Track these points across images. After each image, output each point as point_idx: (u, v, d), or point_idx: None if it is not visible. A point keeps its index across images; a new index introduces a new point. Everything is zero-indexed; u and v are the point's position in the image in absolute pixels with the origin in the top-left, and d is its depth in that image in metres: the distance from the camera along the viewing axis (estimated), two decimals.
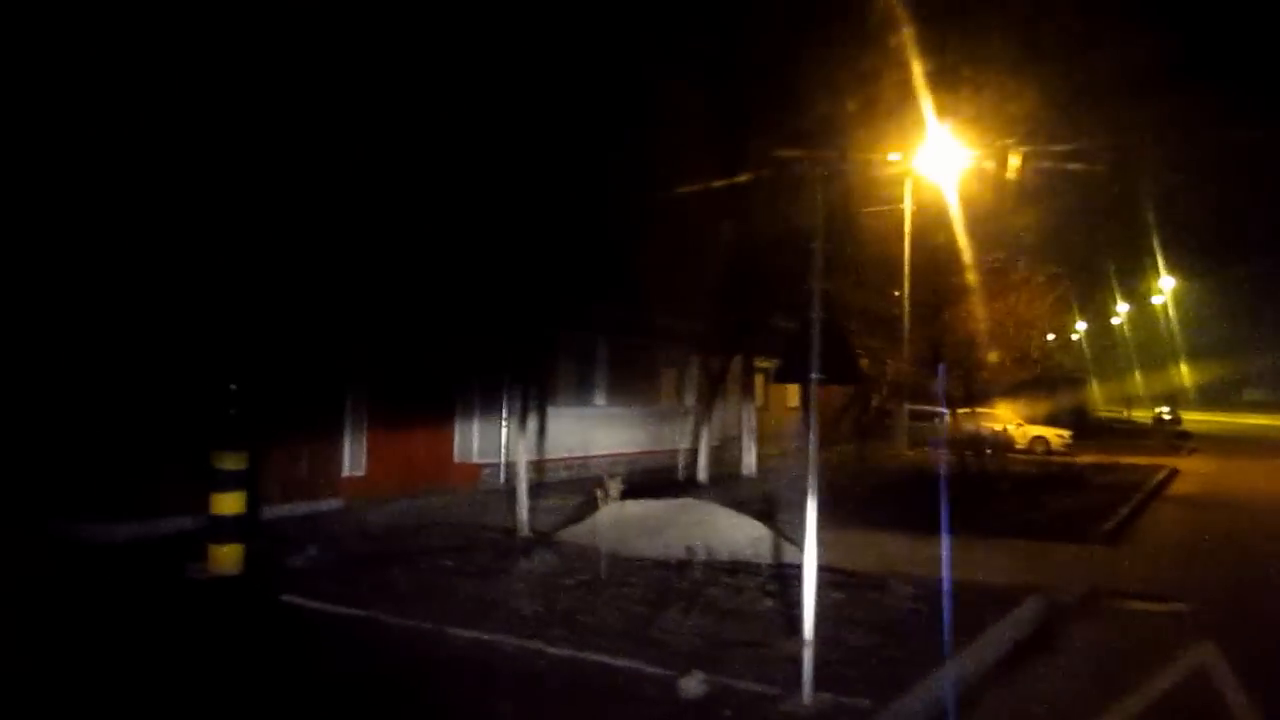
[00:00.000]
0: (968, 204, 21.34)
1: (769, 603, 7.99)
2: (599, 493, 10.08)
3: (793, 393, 29.93)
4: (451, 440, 14.88)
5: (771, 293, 18.23)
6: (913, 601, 8.27)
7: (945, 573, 9.83)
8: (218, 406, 8.54)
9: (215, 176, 10.27)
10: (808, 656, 5.67)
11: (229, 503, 8.48)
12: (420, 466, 14.21)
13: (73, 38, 9.56)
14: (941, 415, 30.67)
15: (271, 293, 11.22)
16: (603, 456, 17.88)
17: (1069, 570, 10.58)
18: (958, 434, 31.81)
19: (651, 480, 16.84)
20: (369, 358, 12.91)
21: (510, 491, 14.36)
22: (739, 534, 10.30)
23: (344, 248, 12.02)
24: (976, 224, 21.80)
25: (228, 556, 8.49)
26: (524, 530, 10.97)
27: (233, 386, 8.52)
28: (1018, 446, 30.57)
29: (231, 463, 8.49)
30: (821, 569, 9.58)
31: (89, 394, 10.05)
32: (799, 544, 10.72)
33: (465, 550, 9.88)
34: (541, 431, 16.16)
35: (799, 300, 19.19)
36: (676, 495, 13.14)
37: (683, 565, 9.14)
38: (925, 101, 16.55)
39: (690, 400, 21.49)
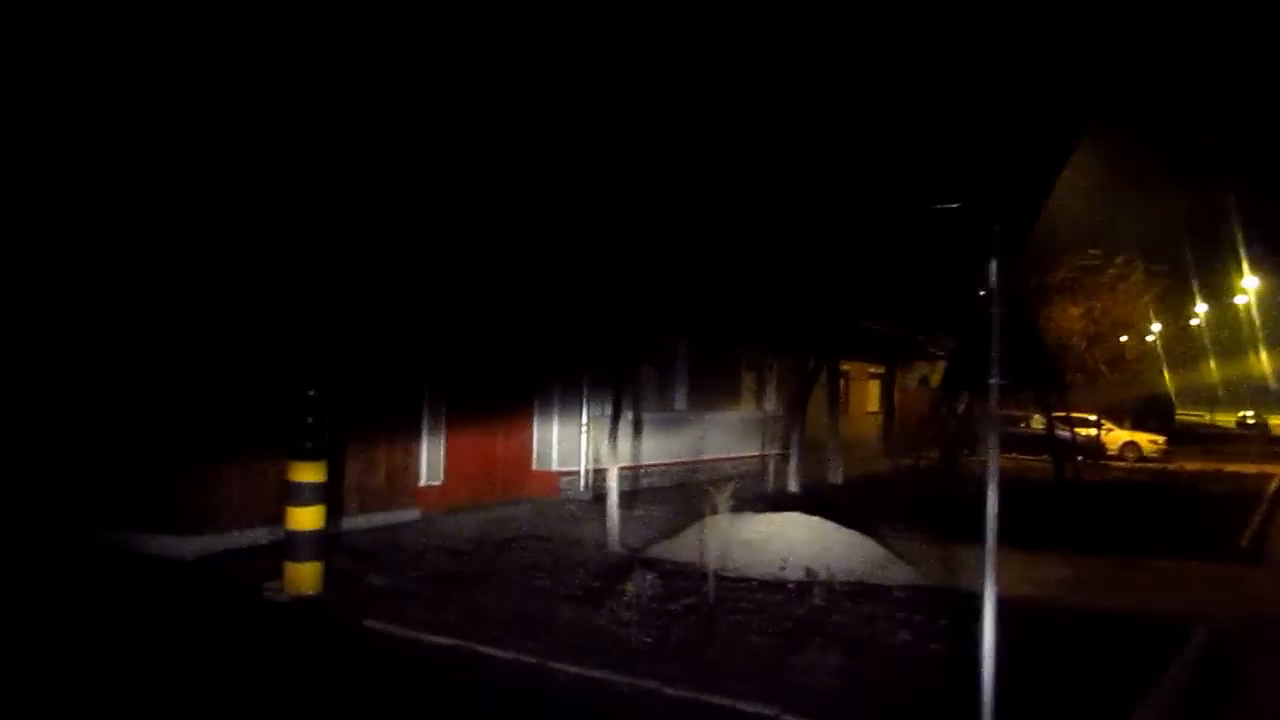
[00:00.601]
0: (1058, 197, 20.28)
1: (905, 635, 7.12)
2: (708, 507, 9.23)
3: (872, 397, 28.93)
4: (530, 447, 14.17)
5: (859, 293, 17.37)
6: (1059, 632, 7.36)
7: (1080, 598, 8.94)
8: (294, 413, 7.86)
9: (288, 175, 9.66)
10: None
11: (307, 518, 7.83)
12: (498, 475, 13.52)
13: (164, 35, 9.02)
14: (1026, 420, 29.50)
15: (347, 294, 10.59)
16: (681, 464, 17.09)
17: (1219, 592, 9.54)
18: (1044, 440, 30.55)
19: (736, 490, 16.01)
20: (446, 361, 12.24)
21: (591, 501, 13.69)
22: (853, 552, 9.44)
23: (424, 247, 11.36)
24: (1068, 219, 20.74)
25: (306, 576, 7.85)
26: (615, 545, 10.20)
27: (310, 392, 7.85)
28: (1109, 452, 29.22)
29: (310, 475, 7.85)
30: (949, 592, 8.82)
31: (157, 401, 9.47)
32: (913, 562, 9.89)
33: (556, 568, 9.14)
34: (620, 437, 15.39)
35: (888, 300, 18.22)
36: (769, 506, 12.32)
37: (801, 587, 8.31)
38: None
39: (770, 405, 20.65)
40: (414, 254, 11.29)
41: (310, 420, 7.86)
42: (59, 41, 9.22)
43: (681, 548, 9.92)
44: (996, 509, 4.98)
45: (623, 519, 11.45)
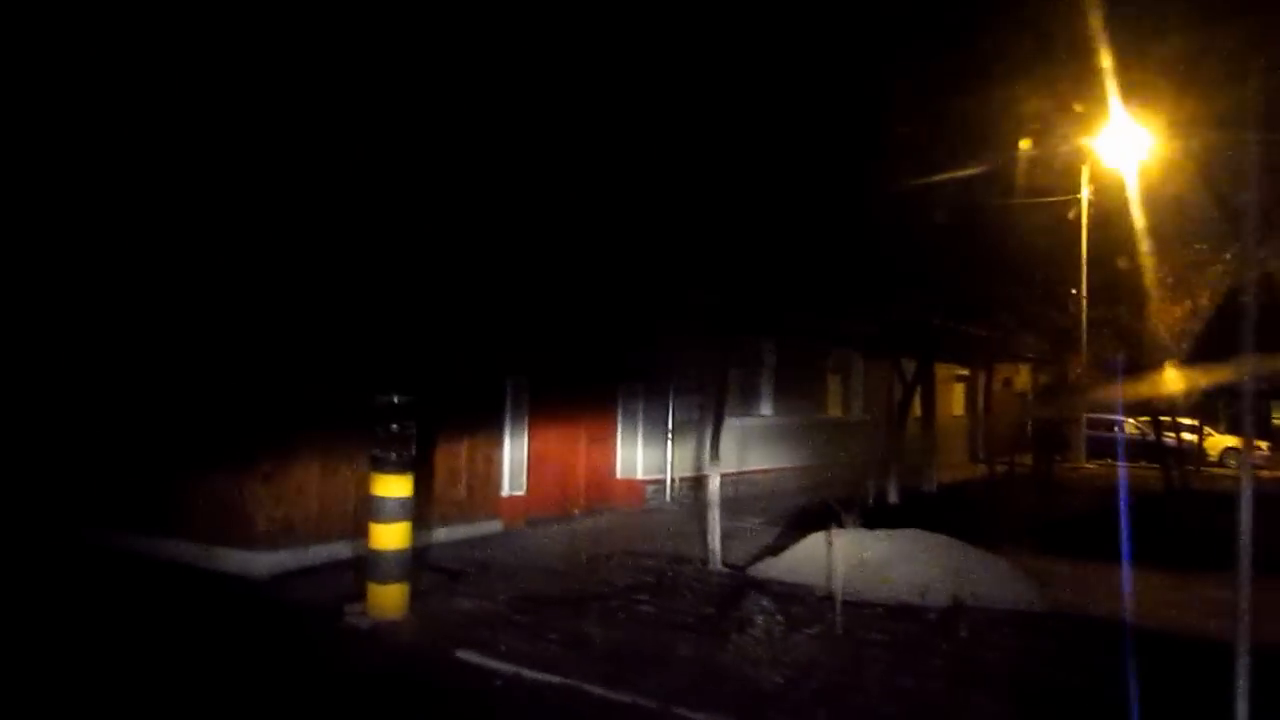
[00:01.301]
0: (1159, 190, 19.08)
1: (1076, 677, 6.19)
2: (833, 524, 8.36)
3: (956, 400, 27.73)
4: (613, 454, 13.39)
5: (959, 294, 16.43)
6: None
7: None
8: (377, 421, 7.14)
9: (361, 169, 9.02)
10: None
11: (392, 536, 7.11)
12: (581, 484, 12.76)
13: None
14: (1119, 424, 28.10)
15: (425, 291, 9.90)
16: (767, 471, 16.20)
17: None
18: (1141, 445, 29.08)
19: (833, 500, 15.09)
20: (528, 362, 11.49)
21: (678, 512, 12.89)
22: (985, 574, 8.49)
23: (505, 238, 10.66)
24: (1169, 213, 19.48)
25: (390, 599, 7.13)
26: (716, 563, 9.37)
27: (395, 399, 7.12)
28: (1209, 459, 27.69)
29: (395, 489, 7.13)
30: (1102, 622, 7.78)
31: (230, 410, 8.83)
32: (1048, 584, 8.91)
33: (659, 590, 8.33)
34: (704, 444, 14.56)
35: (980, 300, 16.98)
36: (873, 519, 11.39)
37: (939, 615, 7.41)
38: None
39: (856, 410, 19.68)
40: (494, 246, 10.60)
41: (395, 429, 7.13)
42: (133, 43, 8.79)
43: (791, 567, 9.07)
44: (1249, 536, 4.05)
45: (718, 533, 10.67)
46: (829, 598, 7.99)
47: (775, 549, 10.00)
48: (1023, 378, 29.08)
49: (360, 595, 7.33)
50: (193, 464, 8.96)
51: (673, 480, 13.76)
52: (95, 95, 9.43)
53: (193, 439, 8.99)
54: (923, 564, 8.57)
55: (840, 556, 8.71)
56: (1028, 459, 22.96)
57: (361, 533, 9.09)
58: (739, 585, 8.57)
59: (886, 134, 14.24)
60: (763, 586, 8.48)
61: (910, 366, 21.72)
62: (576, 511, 12.44)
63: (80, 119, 9.65)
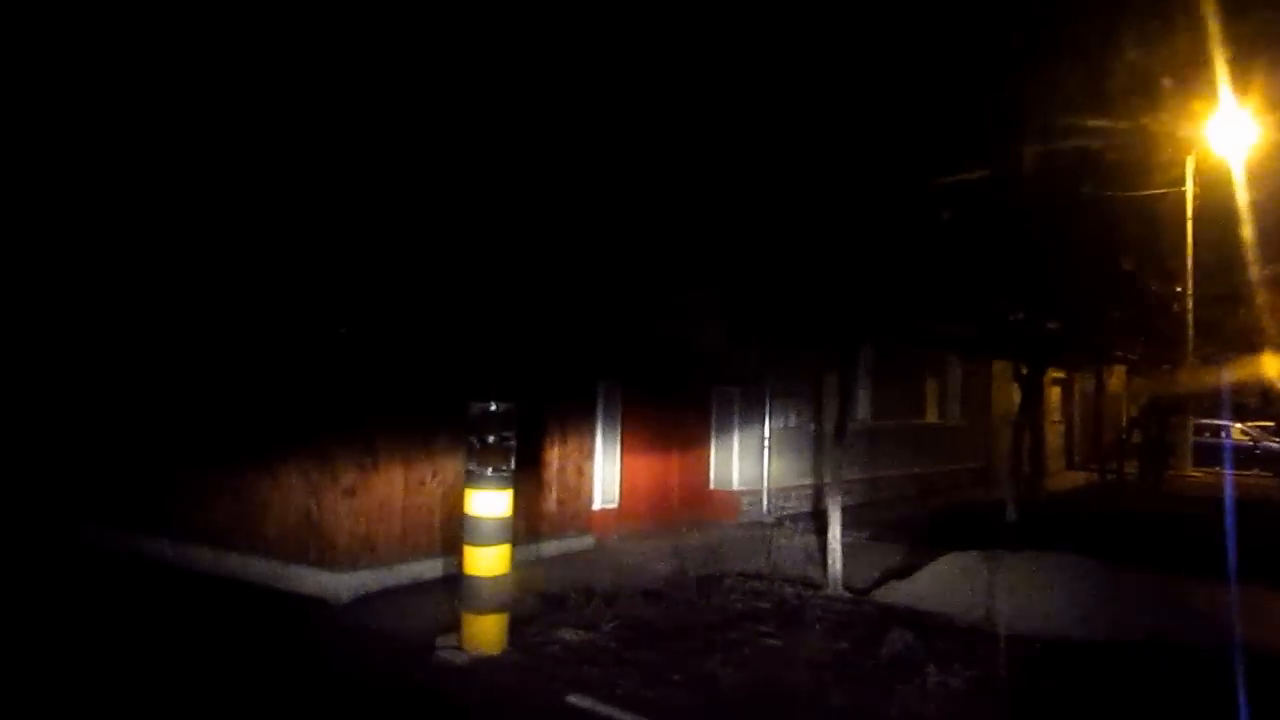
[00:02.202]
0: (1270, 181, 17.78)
1: None
2: (931, 538, 7.42)
3: (1052, 405, 26.33)
4: (707, 464, 12.51)
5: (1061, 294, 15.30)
6: None
7: None
8: (472, 431, 6.35)
9: (448, 166, 8.33)
10: None
11: (489, 560, 6.31)
12: (674, 495, 11.91)
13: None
14: (1227, 430, 26.53)
15: (517, 295, 9.14)
16: (864, 480, 15.17)
17: None
18: (1249, 452, 27.44)
19: (942, 512, 14.09)
20: (620, 367, 10.68)
21: (777, 526, 12.00)
22: (1154, 607, 7.44)
23: (594, 241, 9.88)
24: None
25: (488, 632, 6.33)
26: (837, 587, 8.45)
27: (492, 406, 6.32)
28: None
29: (493, 507, 6.34)
30: None
31: (308, 419, 8.11)
32: (1226, 618, 7.84)
33: (781, 619, 7.44)
34: (805, 453, 13.65)
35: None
36: (999, 537, 10.39)
37: (1118, 655, 6.41)
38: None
39: (955, 414, 18.59)
40: (582, 241, 9.81)
41: (492, 440, 6.33)
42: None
43: (921, 591, 8.15)
44: None
45: (826, 550, 9.76)
46: (975, 630, 7.06)
47: (899, 570, 9.08)
48: (1118, 381, 27.63)
49: (452, 625, 6.57)
50: (267, 475, 8.28)
51: (769, 492, 12.85)
52: (161, 91, 8.89)
53: (268, 449, 8.31)
54: (1078, 591, 7.57)
55: (982, 581, 7.76)
56: (1131, 466, 21.63)
57: (447, 550, 8.41)
58: (867, 614, 7.65)
59: (985, 133, 13.33)
60: (895, 615, 7.54)
61: (1005, 370, 20.63)
62: (670, 526, 11.58)
63: (147, 115, 9.10)
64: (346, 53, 7.96)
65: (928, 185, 12.72)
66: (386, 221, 8.16)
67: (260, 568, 8.24)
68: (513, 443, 6.42)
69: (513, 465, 6.42)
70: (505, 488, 6.37)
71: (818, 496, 13.90)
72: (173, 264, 9.31)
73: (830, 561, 8.49)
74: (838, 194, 11.49)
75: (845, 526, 12.00)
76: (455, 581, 8.04)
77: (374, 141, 8.07)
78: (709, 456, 12.47)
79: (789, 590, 8.42)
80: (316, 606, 7.64)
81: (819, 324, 13.49)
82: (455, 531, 8.43)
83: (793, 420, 13.25)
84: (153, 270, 9.49)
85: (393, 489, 8.17)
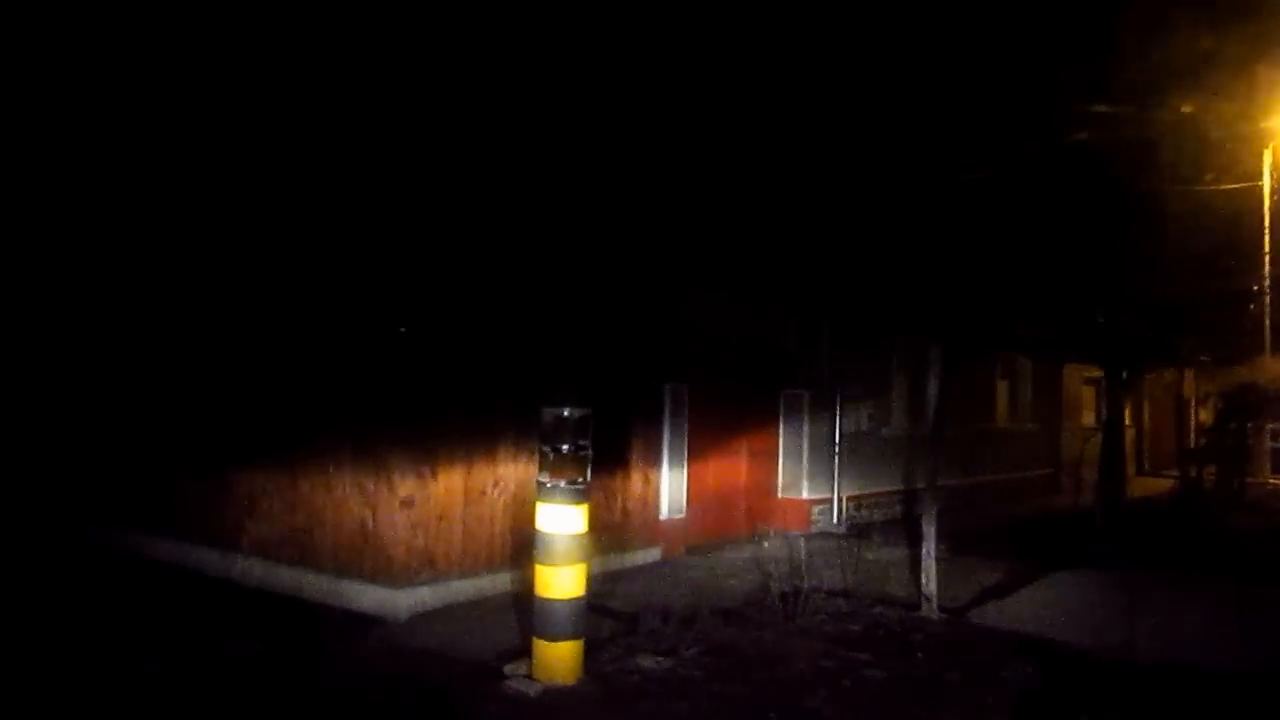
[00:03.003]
0: None
1: None
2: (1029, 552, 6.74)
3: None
4: (775, 470, 11.87)
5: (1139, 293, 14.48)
6: None
7: None
8: (544, 440, 5.79)
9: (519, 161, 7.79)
10: None
11: (563, 582, 5.73)
12: (741, 505, 11.28)
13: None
14: None
15: (582, 292, 8.58)
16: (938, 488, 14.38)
17: None
18: None
19: (1020, 522, 13.34)
20: (687, 368, 10.08)
21: (851, 536, 11.35)
22: None
23: (657, 235, 9.29)
24: None
25: (562, 659, 5.75)
26: (932, 607, 7.77)
27: (565, 412, 5.74)
28: None
29: (567, 523, 5.75)
30: None
31: (362, 424, 7.59)
32: None
33: (876, 643, 6.79)
34: (873, 458, 12.96)
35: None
36: (1083, 548, 9.70)
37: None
38: None
39: (1026, 419, 17.78)
40: (646, 235, 9.23)
41: (567, 449, 5.75)
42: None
43: (1031, 615, 7.48)
44: None
45: (908, 564, 9.14)
46: (1089, 657, 6.37)
47: (995, 588, 8.42)
48: (1185, 383, 26.56)
49: (520, 649, 6.05)
50: (320, 486, 7.78)
51: (840, 500, 12.16)
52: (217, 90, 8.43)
53: (321, 457, 7.80)
54: (1213, 614, 6.85)
55: (1097, 603, 7.07)
56: (1208, 472, 20.63)
57: (508, 564, 7.87)
58: (972, 639, 6.99)
59: (1057, 128, 12.60)
60: (1002, 641, 6.88)
61: (1075, 372, 19.76)
62: (737, 536, 10.96)
63: (180, 111, 8.65)
64: (410, 49, 7.42)
65: (1001, 180, 12.04)
66: (447, 216, 7.64)
67: (313, 582, 7.74)
68: (589, 452, 5.84)
69: (588, 477, 5.83)
70: (580, 502, 5.79)
71: (891, 505, 13.23)
72: (219, 263, 8.86)
73: (925, 580, 7.83)
74: (911, 190, 10.89)
75: (916, 539, 11.38)
76: (518, 598, 7.54)
77: (432, 136, 7.55)
78: (777, 463, 11.83)
79: (879, 611, 7.77)
80: (373, 625, 7.12)
81: (894, 324, 12.82)
82: (517, 544, 7.94)
83: (864, 424, 12.57)
84: (198, 270, 9.05)
85: (452, 499, 7.64)
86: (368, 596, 7.40)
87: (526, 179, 8.16)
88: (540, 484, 5.80)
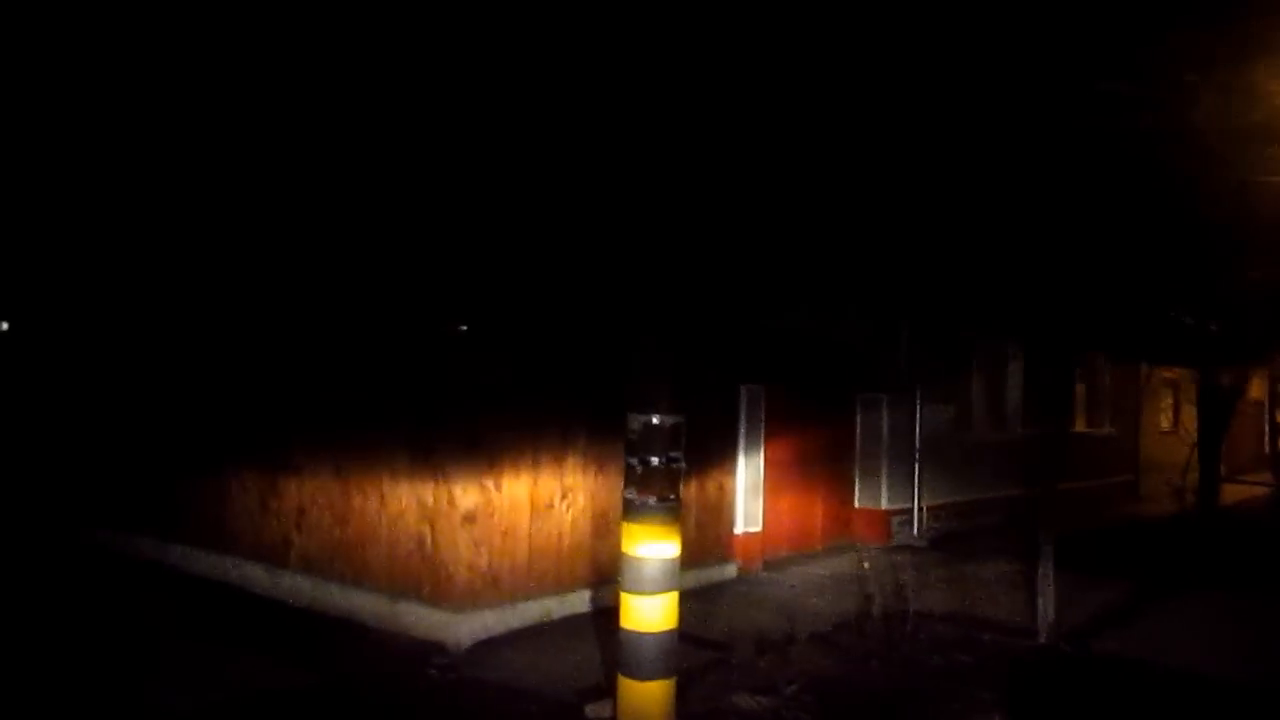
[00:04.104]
0: None
1: None
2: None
3: (1188, 411, 24.27)
4: (851, 478, 11.09)
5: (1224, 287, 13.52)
6: None
7: None
8: (632, 450, 5.08)
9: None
10: None
11: (653, 613, 5.03)
12: (817, 516, 10.53)
13: None
14: None
15: (658, 284, 7.84)
16: (1014, 496, 13.54)
17: None
18: None
19: (1113, 532, 12.48)
20: (764, 367, 9.35)
21: (932, 550, 10.55)
22: None
23: (734, 224, 8.54)
24: None
25: (652, 701, 5.06)
26: (1049, 635, 6.97)
27: (655, 419, 5.05)
28: None
29: (658, 545, 5.06)
30: None
31: (418, 431, 6.94)
32: None
33: (994, 678, 6.03)
34: (955, 465, 12.14)
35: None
36: (1190, 562, 8.84)
37: None
38: None
39: (1105, 422, 16.85)
40: (722, 225, 8.47)
41: (657, 462, 5.05)
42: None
43: (1159, 643, 6.63)
44: None
45: (1005, 582, 8.38)
46: (1245, 694, 5.56)
47: (1112, 611, 7.62)
48: (1259, 384, 25.41)
49: (601, 687, 5.35)
50: (374, 498, 7.14)
51: (921, 510, 11.36)
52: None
53: (375, 467, 7.15)
54: None
55: (1230, 627, 6.26)
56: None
57: (578, 584, 7.21)
58: (1104, 675, 6.18)
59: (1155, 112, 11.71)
60: (1137, 675, 6.08)
61: (1156, 374, 18.76)
62: (814, 549, 10.21)
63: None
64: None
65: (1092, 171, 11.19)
66: (513, 209, 6.96)
67: (367, 604, 7.10)
68: (682, 465, 5.14)
69: (680, 493, 5.13)
70: (672, 521, 5.10)
71: (972, 515, 12.40)
72: (268, 261, 8.27)
73: (1041, 605, 7.04)
74: (994, 183, 10.09)
75: (1006, 552, 10.58)
76: (590, 622, 6.87)
77: (497, 130, 6.86)
78: (853, 470, 11.06)
79: (989, 639, 7.00)
80: (432, 652, 6.45)
81: (978, 322, 12.03)
82: (587, 561, 7.27)
83: (944, 429, 11.76)
84: (247, 270, 8.47)
85: (518, 514, 6.97)
86: (426, 621, 6.74)
87: (595, 173, 7.48)
88: (627, 501, 5.10)
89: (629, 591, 5.08)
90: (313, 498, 7.57)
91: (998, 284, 11.80)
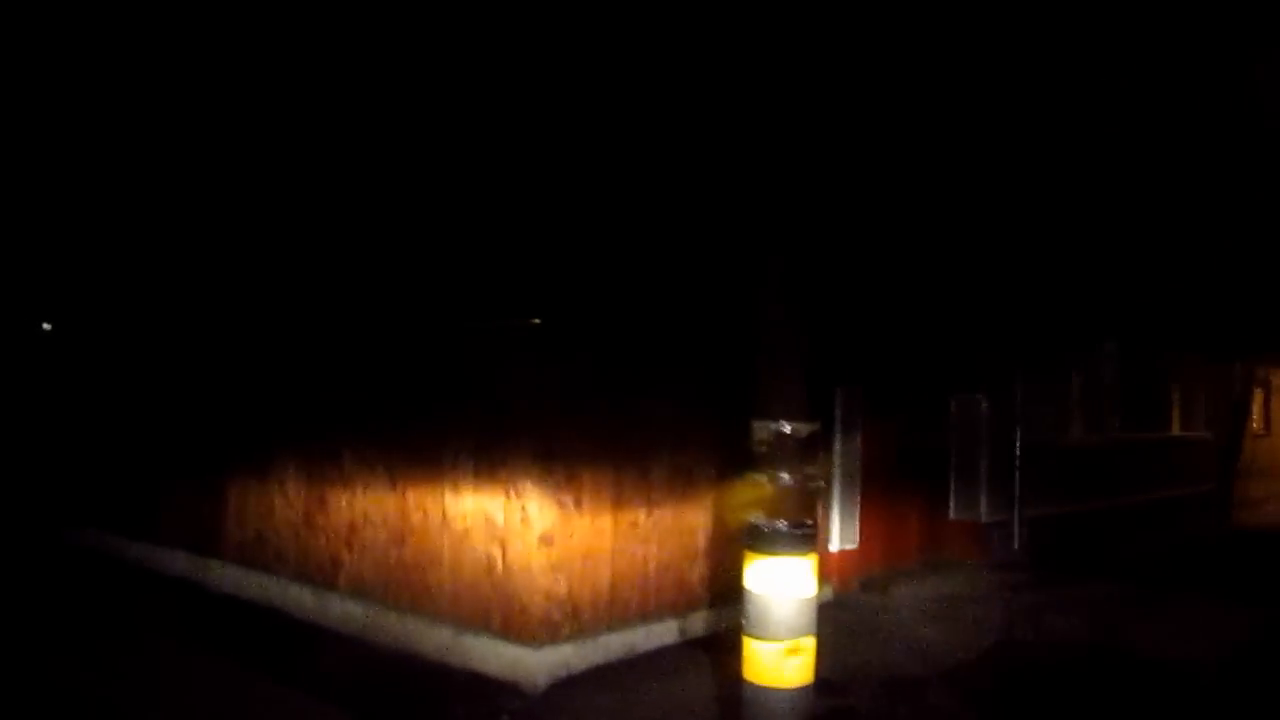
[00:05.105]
0: None
1: None
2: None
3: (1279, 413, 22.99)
4: (947, 489, 10.09)
5: None
6: None
7: None
8: (756, 464, 4.16)
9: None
10: None
11: (787, 667, 4.12)
12: (913, 529, 9.55)
13: None
14: None
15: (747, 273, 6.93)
16: (1112, 505, 12.50)
17: None
18: None
19: (1222, 546, 11.43)
20: (860, 367, 8.41)
21: (1042, 570, 9.53)
22: None
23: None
24: None
25: None
26: (1228, 681, 5.96)
27: (787, 427, 4.13)
28: None
29: (791, 582, 4.12)
30: None
31: (480, 439, 6.07)
32: None
33: None
34: (1056, 473, 11.12)
35: None
36: None
37: None
38: None
39: (1199, 425, 15.72)
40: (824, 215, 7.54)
41: (789, 479, 4.13)
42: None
43: None
44: None
45: (1132, 605, 7.42)
46: None
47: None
48: None
49: None
50: (436, 515, 6.28)
51: (1022, 522, 10.34)
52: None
53: (438, 481, 6.29)
54: None
55: None
56: None
57: (664, 612, 6.32)
58: None
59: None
60: None
61: (1250, 372, 17.56)
62: (909, 566, 9.25)
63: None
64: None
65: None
66: (588, 183, 6.09)
67: (426, 633, 6.25)
68: (820, 483, 4.22)
69: (817, 518, 4.20)
70: (809, 552, 4.17)
71: (1071, 527, 11.36)
72: (319, 253, 7.47)
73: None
74: (1098, 185, 9.19)
75: (1112, 568, 9.60)
76: (678, 657, 6.02)
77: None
78: (949, 480, 10.06)
79: (1158, 680, 5.99)
80: (503, 693, 5.59)
81: (1085, 321, 11.05)
82: (673, 586, 6.41)
83: (1043, 433, 10.75)
84: (297, 265, 7.67)
85: (600, 534, 6.09)
86: (497, 656, 5.87)
87: (685, 164, 6.62)
88: (753, 527, 4.20)
89: (754, 636, 4.18)
90: (365, 513, 6.73)
91: (1097, 279, 10.86)
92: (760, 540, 4.17)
